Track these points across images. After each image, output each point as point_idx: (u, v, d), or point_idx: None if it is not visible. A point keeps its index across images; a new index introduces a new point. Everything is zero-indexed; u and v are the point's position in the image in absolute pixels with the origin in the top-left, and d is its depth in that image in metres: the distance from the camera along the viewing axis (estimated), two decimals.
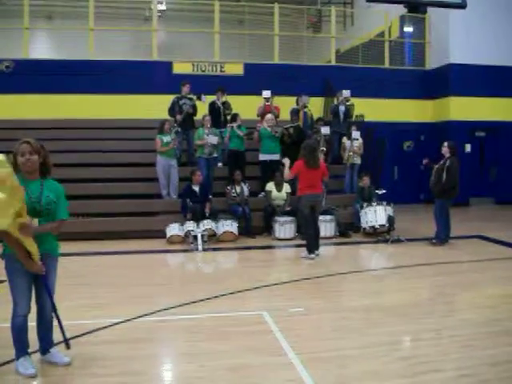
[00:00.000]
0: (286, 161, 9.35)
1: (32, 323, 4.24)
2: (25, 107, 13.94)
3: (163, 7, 20.40)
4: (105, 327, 5.18)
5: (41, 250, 4.09)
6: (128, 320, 5.41)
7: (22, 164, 4.08)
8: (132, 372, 4.18)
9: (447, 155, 9.86)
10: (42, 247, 4.11)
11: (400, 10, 16.28)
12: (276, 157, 11.66)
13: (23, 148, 4.08)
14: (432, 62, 17.04)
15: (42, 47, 18.91)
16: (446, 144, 9.96)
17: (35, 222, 4.03)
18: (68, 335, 4.43)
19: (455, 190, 9.81)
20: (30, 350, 4.24)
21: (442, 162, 9.89)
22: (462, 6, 14.37)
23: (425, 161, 10.40)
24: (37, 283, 4.18)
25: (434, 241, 9.92)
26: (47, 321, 4.28)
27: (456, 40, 15.89)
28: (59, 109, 14.02)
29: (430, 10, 16.33)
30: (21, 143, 4.11)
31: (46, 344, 4.34)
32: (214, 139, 11.46)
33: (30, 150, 4.08)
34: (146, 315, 5.60)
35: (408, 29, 17.92)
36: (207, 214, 10.35)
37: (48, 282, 4.18)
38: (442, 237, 9.89)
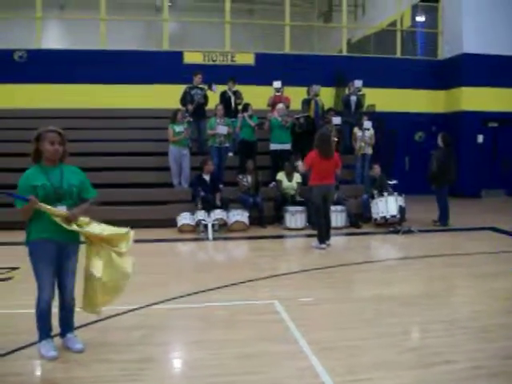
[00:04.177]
0: (300, 164, 9.48)
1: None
2: (38, 97, 14.01)
3: None
4: (118, 314, 5.22)
5: (64, 237, 4.17)
6: (141, 308, 5.45)
7: (50, 153, 4.14)
8: (145, 359, 4.21)
9: (441, 145, 10.74)
10: (66, 234, 4.17)
11: None
12: (287, 146, 11.66)
13: (53, 137, 4.13)
14: (444, 52, 16.88)
15: (54, 37, 18.99)
16: (440, 135, 10.96)
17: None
18: (82, 322, 4.49)
19: (444, 179, 10.60)
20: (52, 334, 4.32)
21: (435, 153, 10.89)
22: None
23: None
24: (60, 269, 4.24)
25: (438, 223, 10.76)
26: (68, 306, 4.34)
27: (469, 29, 15.70)
28: (71, 98, 14.07)
29: None
30: (49, 131, 4.15)
31: (64, 328, 4.40)
32: (223, 129, 11.47)
33: (59, 140, 4.15)
34: (158, 303, 5.64)
35: (420, 18, 17.76)
36: (218, 204, 10.38)
37: (70, 268, 4.27)
38: (444, 220, 10.71)
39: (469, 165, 15.23)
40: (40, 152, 4.16)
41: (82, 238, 4.31)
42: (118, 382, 3.82)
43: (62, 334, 4.40)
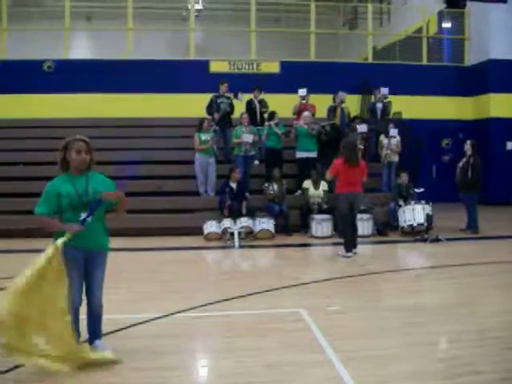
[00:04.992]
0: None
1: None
2: (66, 106, 14.22)
3: (200, 7, 20.53)
4: (143, 322, 5.25)
5: (92, 244, 4.22)
6: (166, 315, 5.47)
7: (78, 162, 4.18)
8: (170, 366, 4.22)
9: (469, 153, 10.71)
10: (94, 242, 4.23)
11: (438, 5, 16.02)
12: (313, 154, 11.63)
13: (80, 146, 4.18)
14: (471, 59, 16.70)
15: (81, 47, 19.31)
16: (468, 142, 10.90)
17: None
18: (109, 329, 4.54)
19: (480, 185, 10.73)
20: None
21: (465, 160, 10.82)
22: (503, 0, 14.07)
23: (446, 157, 11.49)
24: (88, 276, 4.28)
25: (468, 231, 10.72)
26: (95, 313, 4.38)
27: (496, 35, 15.52)
28: (98, 108, 14.25)
29: (469, 4, 16.01)
30: (76, 140, 4.19)
31: (91, 335, 4.43)
32: (249, 137, 11.50)
33: (85, 149, 4.19)
34: (183, 311, 5.65)
35: (446, 24, 17.59)
36: (244, 212, 10.41)
37: (98, 276, 4.31)
38: (477, 226, 10.65)
39: (498, 172, 15.00)
40: (67, 161, 4.21)
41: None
42: None
43: (90, 341, 4.44)
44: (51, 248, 4.01)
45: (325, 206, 10.83)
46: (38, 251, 4.06)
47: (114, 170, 4.65)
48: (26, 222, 10.28)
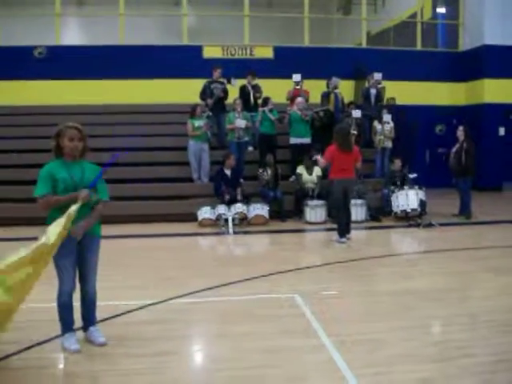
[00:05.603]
0: (320, 159, 9.56)
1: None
2: (57, 93, 14.12)
3: None
4: (139, 308, 5.27)
5: (85, 231, 4.21)
6: (161, 301, 5.48)
7: (70, 149, 4.18)
8: (165, 352, 4.24)
9: (462, 138, 10.80)
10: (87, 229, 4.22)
11: None
12: (307, 140, 11.61)
13: (73, 134, 4.17)
14: (465, 44, 16.65)
15: (73, 33, 19.14)
16: (460, 128, 10.99)
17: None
18: (103, 316, 4.55)
19: (474, 170, 10.83)
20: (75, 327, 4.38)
21: (458, 145, 10.87)
22: None
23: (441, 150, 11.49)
24: (82, 263, 4.29)
25: (461, 216, 10.77)
26: (89, 300, 4.39)
27: (491, 21, 15.46)
28: (91, 94, 14.16)
29: None
30: (69, 128, 4.18)
31: (86, 322, 4.45)
32: (241, 123, 11.47)
33: (79, 136, 4.19)
34: (178, 297, 5.67)
35: (441, 10, 17.55)
36: (239, 198, 10.40)
37: (91, 262, 4.32)
38: (470, 212, 10.69)
39: (490, 157, 15.02)
40: (61, 148, 4.21)
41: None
42: (141, 375, 3.86)
43: (85, 328, 4.45)
44: (64, 217, 3.95)
45: (317, 190, 10.82)
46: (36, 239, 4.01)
47: (108, 157, 4.58)
48: (21, 211, 10.29)
